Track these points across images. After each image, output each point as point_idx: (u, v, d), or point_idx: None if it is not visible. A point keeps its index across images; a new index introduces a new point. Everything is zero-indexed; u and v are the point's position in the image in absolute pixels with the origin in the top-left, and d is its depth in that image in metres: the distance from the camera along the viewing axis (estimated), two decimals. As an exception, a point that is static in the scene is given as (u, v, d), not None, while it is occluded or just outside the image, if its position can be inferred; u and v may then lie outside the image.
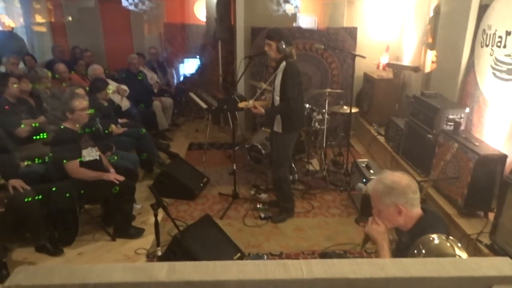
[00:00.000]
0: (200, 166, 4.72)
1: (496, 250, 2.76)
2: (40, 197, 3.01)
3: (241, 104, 3.78)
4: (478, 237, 2.92)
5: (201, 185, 4.30)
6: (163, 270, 1.03)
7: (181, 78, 7.65)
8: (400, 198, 1.72)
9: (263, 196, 4.16)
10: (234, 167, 4.03)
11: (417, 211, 1.76)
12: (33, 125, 3.85)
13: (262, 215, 3.79)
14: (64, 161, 3.13)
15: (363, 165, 3.95)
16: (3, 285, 0.96)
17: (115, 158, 3.80)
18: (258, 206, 3.96)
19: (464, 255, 1.38)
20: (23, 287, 0.98)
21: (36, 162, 3.45)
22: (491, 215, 3.04)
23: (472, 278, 1.02)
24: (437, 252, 1.39)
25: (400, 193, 1.72)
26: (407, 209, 1.73)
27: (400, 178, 1.77)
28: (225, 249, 3.08)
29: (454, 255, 1.37)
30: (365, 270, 1.04)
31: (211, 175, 4.58)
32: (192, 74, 7.47)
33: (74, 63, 5.91)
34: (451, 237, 1.47)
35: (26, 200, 2.94)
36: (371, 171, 3.79)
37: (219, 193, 4.23)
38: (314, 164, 4.79)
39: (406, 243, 1.69)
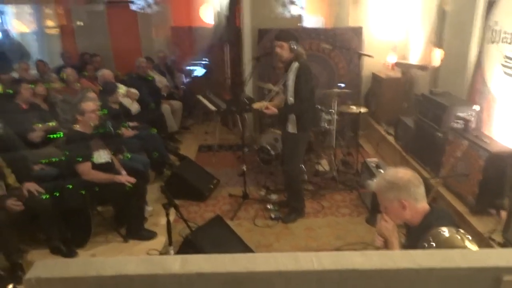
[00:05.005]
0: (210, 167, 4.75)
1: (509, 248, 2.74)
2: (57, 193, 3.07)
3: (256, 105, 3.82)
4: (491, 235, 2.90)
5: (211, 186, 4.33)
6: (176, 263, 1.04)
7: (189, 81, 7.72)
8: (402, 193, 1.73)
9: (273, 196, 4.17)
10: (244, 168, 4.05)
11: (422, 205, 1.76)
12: (49, 124, 3.93)
13: (272, 216, 3.80)
14: (79, 159, 3.18)
15: (373, 164, 3.95)
16: (24, 279, 0.99)
17: (128, 156, 3.86)
18: (268, 206, 3.97)
19: (474, 247, 1.39)
20: (42, 280, 1.00)
21: (53, 160, 3.52)
22: (504, 213, 3.02)
23: (481, 268, 1.01)
24: (447, 245, 1.39)
25: (402, 188, 1.73)
26: (410, 203, 1.74)
27: (402, 174, 1.78)
28: (236, 249, 3.09)
29: (465, 248, 1.38)
30: (374, 261, 1.04)
31: (221, 176, 4.61)
32: (200, 77, 7.53)
33: (83, 68, 6.00)
34: (461, 230, 1.47)
35: (44, 197, 3.00)
36: (381, 171, 3.78)
37: (229, 194, 4.25)
38: (323, 165, 4.79)
39: (415, 238, 1.69)
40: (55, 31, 7.65)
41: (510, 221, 2.79)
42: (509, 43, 3.31)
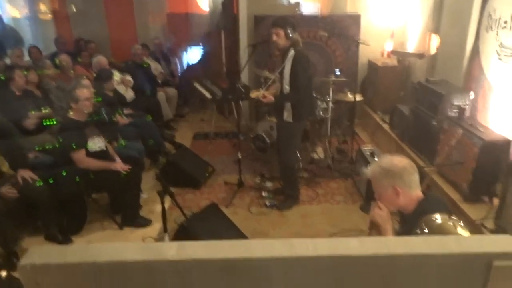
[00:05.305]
0: (205, 155, 4.75)
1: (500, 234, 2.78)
2: (51, 181, 3.06)
3: (253, 94, 3.81)
4: (483, 222, 2.94)
5: (207, 174, 4.34)
6: (172, 249, 1.04)
7: (185, 68, 7.65)
8: (396, 179, 1.75)
9: (268, 184, 4.19)
10: (239, 156, 4.06)
11: (416, 193, 1.78)
12: (43, 111, 3.90)
13: (268, 203, 3.82)
14: (74, 146, 3.16)
15: (368, 152, 3.96)
16: (18, 265, 0.98)
17: (123, 143, 3.84)
18: (264, 194, 3.99)
19: (466, 234, 1.41)
20: (37, 266, 0.99)
21: (46, 147, 3.50)
22: (496, 201, 3.05)
23: (473, 254, 1.02)
24: (439, 232, 1.41)
25: (396, 175, 1.75)
26: (404, 190, 1.75)
27: (398, 161, 1.79)
28: (231, 236, 3.11)
29: (457, 234, 1.39)
30: (369, 247, 1.04)
31: (216, 164, 4.61)
32: (196, 64, 7.46)
33: (78, 55, 5.93)
34: (453, 217, 1.49)
35: (38, 184, 2.99)
36: (376, 159, 3.80)
37: (225, 182, 4.26)
38: (319, 153, 4.81)
39: (408, 225, 1.71)
40: (49, 17, 7.51)
41: (502, 208, 2.83)
42: (505, 29, 3.30)
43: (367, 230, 1.89)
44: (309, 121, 4.46)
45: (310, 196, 3.99)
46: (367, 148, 4.12)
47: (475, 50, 3.81)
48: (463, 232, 1.43)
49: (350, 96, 4.55)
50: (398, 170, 1.76)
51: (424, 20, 5.00)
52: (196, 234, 2.86)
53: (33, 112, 3.90)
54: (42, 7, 7.41)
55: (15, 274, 2.53)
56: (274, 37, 3.37)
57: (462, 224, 1.47)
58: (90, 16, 7.30)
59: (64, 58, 5.04)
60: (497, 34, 3.43)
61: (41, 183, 3.02)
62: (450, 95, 3.71)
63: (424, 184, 2.88)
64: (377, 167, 1.83)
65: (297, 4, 5.64)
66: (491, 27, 3.52)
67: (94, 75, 4.72)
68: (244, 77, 5.60)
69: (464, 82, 4.00)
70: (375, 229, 1.85)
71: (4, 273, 2.39)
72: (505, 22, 3.30)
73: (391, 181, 1.76)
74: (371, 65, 5.68)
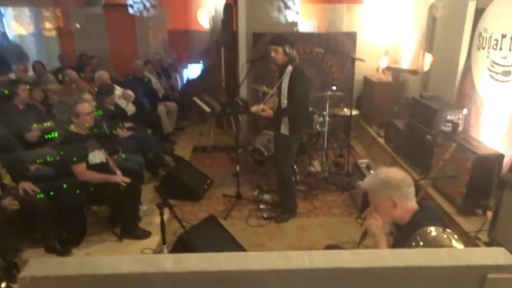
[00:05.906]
0: (204, 168, 4.78)
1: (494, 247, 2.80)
2: (52, 193, 3.08)
3: (253, 108, 3.87)
4: (477, 235, 2.97)
5: (205, 186, 4.38)
6: (169, 261, 1.05)
7: (185, 83, 7.74)
8: (394, 191, 1.76)
9: (266, 197, 4.23)
10: (238, 169, 4.10)
11: (412, 205, 1.80)
12: (45, 124, 3.94)
13: (265, 215, 3.85)
14: (75, 159, 3.20)
15: (364, 165, 4.02)
16: (18, 277, 0.98)
17: (123, 156, 3.88)
18: (261, 206, 4.02)
19: (460, 246, 1.43)
20: (37, 278, 1.00)
21: (48, 160, 3.54)
22: (490, 213, 3.09)
23: (468, 267, 1.04)
24: (434, 244, 1.43)
25: (394, 187, 1.76)
26: (402, 202, 1.77)
27: (395, 173, 1.81)
28: (229, 248, 3.13)
29: (451, 247, 1.42)
30: (364, 259, 1.05)
31: (215, 177, 4.65)
32: (195, 79, 7.56)
33: (81, 70, 6.01)
34: (448, 229, 1.52)
35: (38, 196, 3.02)
36: (371, 172, 3.84)
37: (223, 194, 4.29)
38: (316, 166, 4.85)
39: (403, 237, 1.73)
40: (53, 33, 7.65)
41: (495, 221, 2.86)
42: (497, 49, 3.39)
43: (359, 240, 1.90)
44: (306, 134, 4.52)
45: (307, 209, 4.02)
46: (363, 161, 4.17)
47: (467, 68, 3.90)
48: (457, 244, 1.46)
49: (346, 111, 4.62)
50: (396, 182, 1.78)
51: (417, 38, 5.11)
52: (194, 246, 2.88)
53: (35, 125, 3.94)
54: (47, 24, 7.55)
55: (15, 286, 2.54)
56: (273, 54, 3.45)
57: (456, 236, 1.49)
58: (92, 32, 7.44)
59: (69, 73, 5.12)
60: (488, 53, 3.52)
61: (42, 195, 3.05)
62: (444, 110, 3.78)
63: (419, 197, 2.93)
64: (375, 178, 1.84)
65: (295, 22, 5.75)
66: (483, 46, 3.61)
67: (96, 89, 4.79)
68: (243, 91, 5.68)
69: (457, 98, 4.08)
70: (369, 237, 1.86)
71: (4, 285, 2.40)
72: (496, 40, 3.39)
73: (389, 193, 1.77)
74: (367, 81, 5.77)
